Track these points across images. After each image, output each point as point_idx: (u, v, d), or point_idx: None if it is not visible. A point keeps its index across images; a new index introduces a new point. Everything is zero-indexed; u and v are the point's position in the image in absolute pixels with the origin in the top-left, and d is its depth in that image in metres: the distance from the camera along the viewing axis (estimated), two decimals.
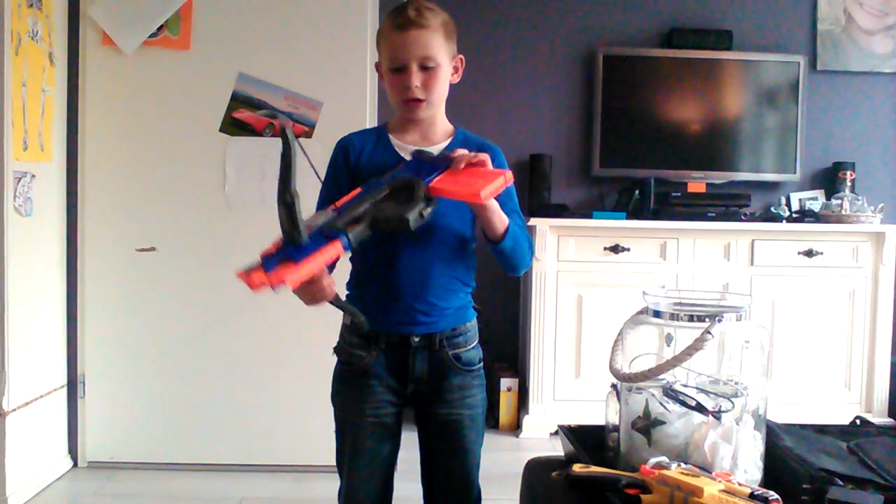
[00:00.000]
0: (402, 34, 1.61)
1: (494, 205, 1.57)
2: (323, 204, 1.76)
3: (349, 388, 1.71)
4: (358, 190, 1.52)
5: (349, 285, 1.74)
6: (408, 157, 1.66)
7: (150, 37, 3.04)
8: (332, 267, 1.55)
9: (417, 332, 1.65)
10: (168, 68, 3.06)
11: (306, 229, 1.34)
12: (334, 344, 1.75)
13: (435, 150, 1.68)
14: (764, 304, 3.67)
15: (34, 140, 2.86)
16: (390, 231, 1.45)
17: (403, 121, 1.72)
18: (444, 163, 1.55)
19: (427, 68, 1.63)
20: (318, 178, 1.62)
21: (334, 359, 1.76)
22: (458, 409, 1.70)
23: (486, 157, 1.54)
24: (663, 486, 1.29)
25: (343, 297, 1.72)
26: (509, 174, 1.55)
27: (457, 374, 1.69)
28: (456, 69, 1.72)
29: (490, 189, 1.49)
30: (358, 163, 1.69)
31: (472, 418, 1.72)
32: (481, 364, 1.76)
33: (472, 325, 1.74)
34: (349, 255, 1.48)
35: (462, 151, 1.55)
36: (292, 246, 1.34)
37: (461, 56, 1.72)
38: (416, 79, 1.62)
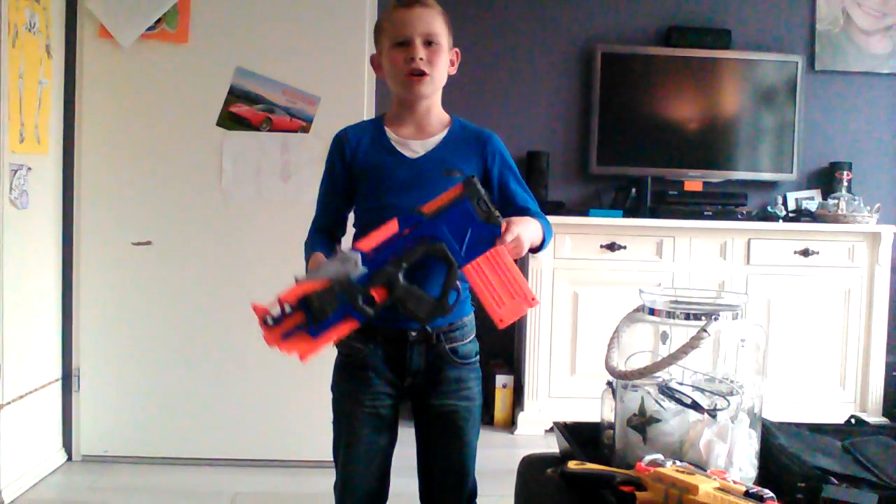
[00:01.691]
0: (407, 11, 1.65)
1: (525, 231, 1.55)
2: (323, 206, 1.77)
3: (347, 378, 1.72)
4: (394, 226, 1.47)
5: None
6: (406, 153, 1.68)
7: (147, 30, 3.03)
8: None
9: (415, 326, 1.66)
10: (165, 62, 3.06)
11: (327, 282, 1.40)
12: None
13: (432, 141, 1.69)
14: (760, 303, 3.67)
15: (30, 132, 2.85)
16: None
17: (399, 110, 1.73)
18: (488, 216, 1.48)
19: (431, 44, 1.65)
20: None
21: (331, 353, 1.76)
22: (454, 400, 1.71)
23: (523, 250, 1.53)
24: (658, 484, 1.29)
25: None
26: (534, 303, 1.51)
27: (453, 367, 1.71)
28: (452, 62, 1.74)
29: (511, 321, 1.48)
30: (354, 159, 1.71)
31: (469, 410, 1.74)
32: (478, 357, 1.77)
33: (470, 319, 1.75)
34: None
35: (514, 231, 1.50)
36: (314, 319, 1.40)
37: (457, 49, 1.75)
38: (421, 52, 1.64)
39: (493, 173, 1.72)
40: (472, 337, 1.75)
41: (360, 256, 1.43)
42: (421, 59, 1.64)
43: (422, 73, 1.65)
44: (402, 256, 1.44)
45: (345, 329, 1.44)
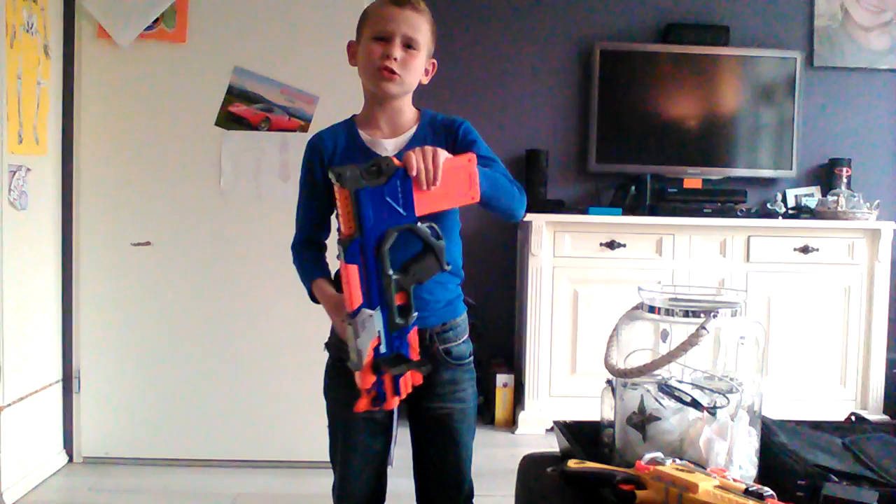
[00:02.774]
0: (397, 9, 1.63)
1: (417, 150, 1.48)
2: (305, 214, 1.75)
3: (341, 383, 1.68)
4: (354, 270, 1.42)
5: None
6: (381, 153, 1.64)
7: (145, 30, 3.03)
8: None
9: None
10: (164, 62, 3.06)
11: (373, 343, 1.43)
12: (329, 332, 1.74)
13: (403, 139, 1.68)
14: (759, 300, 3.67)
15: (29, 133, 2.85)
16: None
17: (371, 109, 1.71)
18: (393, 170, 1.44)
19: (409, 48, 1.64)
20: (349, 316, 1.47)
21: (326, 356, 1.76)
22: (449, 402, 1.71)
23: (439, 156, 1.45)
24: (658, 482, 1.29)
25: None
26: (472, 156, 1.51)
27: (447, 369, 1.70)
28: (427, 71, 1.72)
29: (476, 185, 1.49)
30: (332, 164, 1.66)
31: (464, 412, 1.73)
32: (472, 358, 1.75)
33: (463, 319, 1.74)
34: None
35: (409, 156, 1.44)
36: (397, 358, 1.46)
37: (434, 61, 1.73)
38: (398, 51, 1.62)
39: (456, 152, 1.59)
40: (465, 337, 1.74)
41: (365, 310, 1.43)
42: (396, 58, 1.61)
43: (393, 72, 1.62)
44: (381, 269, 1.43)
45: (414, 343, 1.49)
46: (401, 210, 1.44)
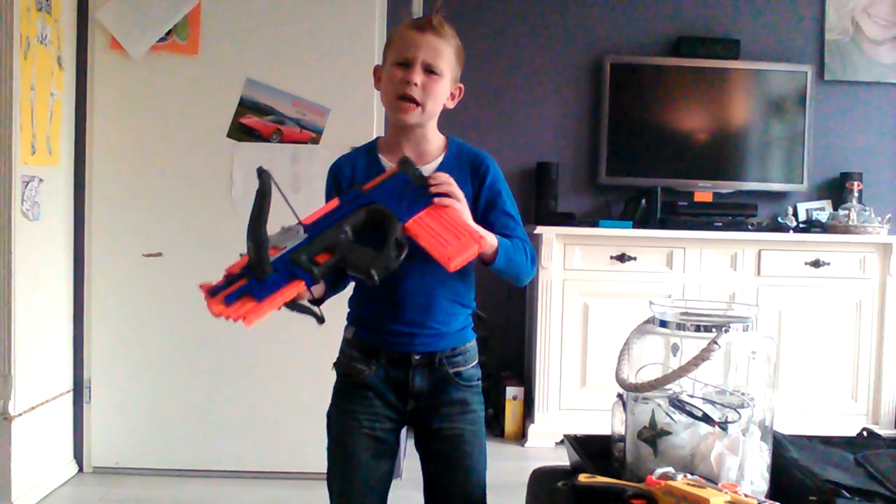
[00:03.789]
0: (419, 34, 1.60)
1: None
2: None
3: (346, 400, 1.67)
4: (335, 202, 1.51)
5: (350, 302, 1.71)
6: None
7: (158, 41, 3.05)
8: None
9: (418, 350, 1.62)
10: (176, 73, 3.07)
11: (271, 251, 1.39)
12: (338, 352, 1.72)
13: (428, 168, 1.62)
14: (770, 314, 3.66)
15: (42, 144, 2.87)
16: (354, 275, 1.46)
17: (395, 135, 1.68)
18: (426, 188, 1.50)
19: (431, 73, 1.60)
20: (296, 217, 1.50)
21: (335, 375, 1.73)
22: (459, 423, 1.65)
23: (460, 198, 1.51)
24: (669, 497, 1.29)
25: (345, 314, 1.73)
26: (483, 242, 1.49)
27: (457, 389, 1.65)
28: (453, 96, 1.69)
29: (461, 260, 1.45)
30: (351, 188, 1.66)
31: (474, 434, 1.66)
32: (480, 383, 1.71)
33: (472, 345, 1.70)
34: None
35: (445, 179, 1.51)
36: (256, 279, 1.38)
37: (462, 85, 1.70)
38: (418, 77, 1.58)
39: (480, 199, 1.64)
40: (474, 363, 1.69)
41: (301, 227, 1.45)
42: (416, 84, 1.58)
43: (411, 101, 1.59)
44: (342, 220, 1.45)
45: (291, 291, 1.40)
46: (404, 210, 1.48)
